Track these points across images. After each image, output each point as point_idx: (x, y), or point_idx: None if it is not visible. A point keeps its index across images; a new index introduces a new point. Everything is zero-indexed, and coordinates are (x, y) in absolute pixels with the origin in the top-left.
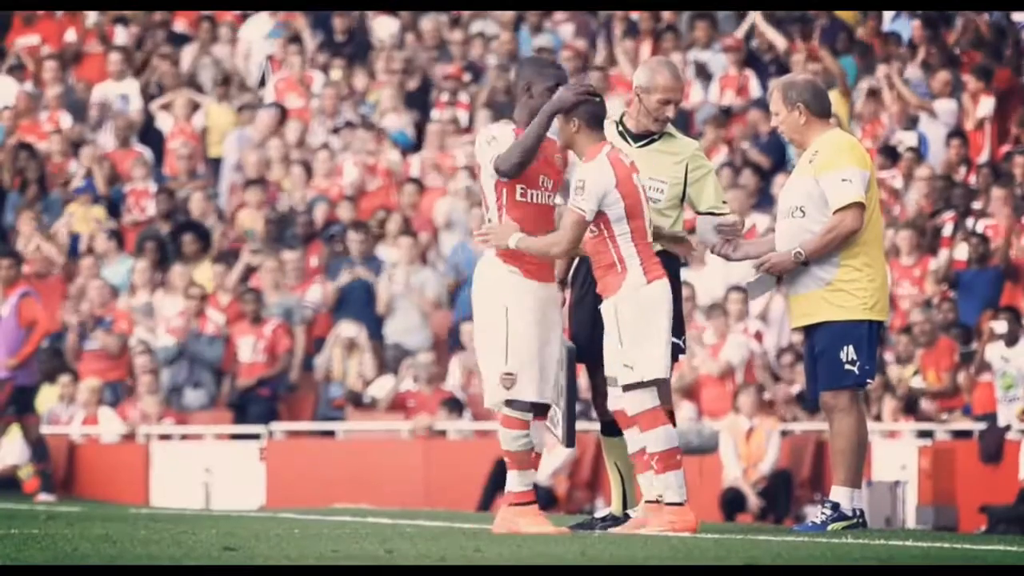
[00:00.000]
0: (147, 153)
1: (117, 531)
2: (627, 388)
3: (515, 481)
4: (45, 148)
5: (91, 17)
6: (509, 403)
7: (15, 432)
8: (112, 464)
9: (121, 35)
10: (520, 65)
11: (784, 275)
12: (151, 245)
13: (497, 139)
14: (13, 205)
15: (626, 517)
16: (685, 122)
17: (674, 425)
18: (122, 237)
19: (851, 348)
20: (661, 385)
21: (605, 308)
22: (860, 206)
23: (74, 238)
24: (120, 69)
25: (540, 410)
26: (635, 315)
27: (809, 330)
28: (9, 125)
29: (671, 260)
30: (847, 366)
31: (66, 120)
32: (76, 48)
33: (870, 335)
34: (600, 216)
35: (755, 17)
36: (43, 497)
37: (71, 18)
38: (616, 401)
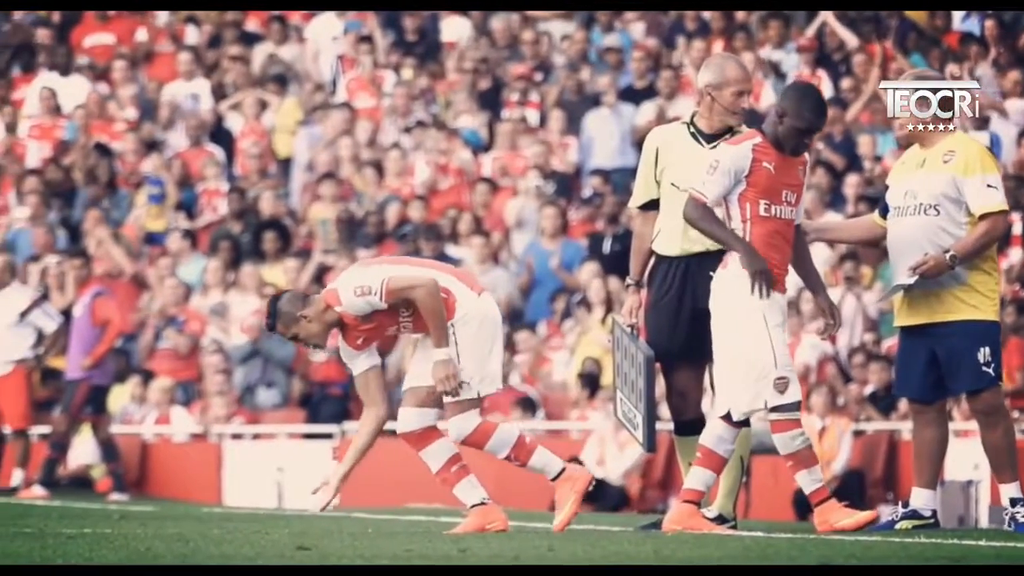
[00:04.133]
0: (218, 153)
1: (190, 530)
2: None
3: (806, 481)
4: (119, 148)
5: (162, 17)
6: (775, 408)
7: (87, 432)
8: (185, 463)
9: (192, 35)
10: (787, 88)
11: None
12: (225, 244)
13: (717, 167)
14: (84, 204)
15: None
16: (759, 123)
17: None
18: (195, 237)
19: (987, 349)
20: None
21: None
22: (1007, 212)
23: (149, 237)
24: (190, 69)
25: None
26: (473, 332)
27: (927, 327)
28: (82, 124)
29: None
30: (984, 367)
31: (137, 119)
32: (147, 48)
33: (999, 336)
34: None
35: (826, 16)
36: (116, 496)
37: (142, 18)
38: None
